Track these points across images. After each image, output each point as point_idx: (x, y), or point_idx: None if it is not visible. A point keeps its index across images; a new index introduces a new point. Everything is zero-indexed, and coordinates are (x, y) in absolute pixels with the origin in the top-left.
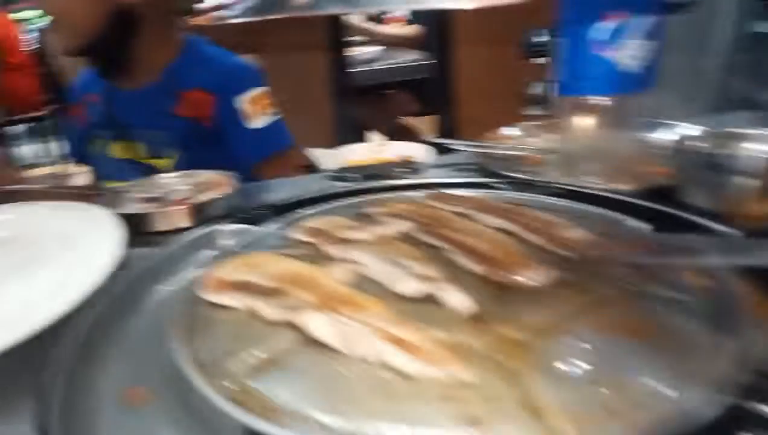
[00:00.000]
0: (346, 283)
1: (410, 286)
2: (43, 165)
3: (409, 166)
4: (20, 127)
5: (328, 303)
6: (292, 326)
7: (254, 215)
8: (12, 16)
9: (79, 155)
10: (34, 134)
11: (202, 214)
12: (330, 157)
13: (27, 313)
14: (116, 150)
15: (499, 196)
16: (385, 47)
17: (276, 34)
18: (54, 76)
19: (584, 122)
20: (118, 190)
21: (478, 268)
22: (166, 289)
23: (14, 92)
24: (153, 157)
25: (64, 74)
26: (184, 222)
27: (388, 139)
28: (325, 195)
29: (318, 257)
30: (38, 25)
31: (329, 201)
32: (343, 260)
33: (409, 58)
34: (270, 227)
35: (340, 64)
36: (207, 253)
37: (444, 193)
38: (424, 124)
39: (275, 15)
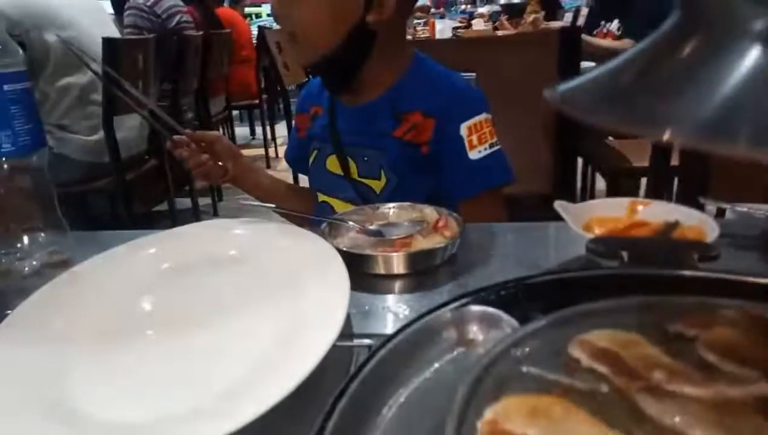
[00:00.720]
0: None
1: None
2: (253, 147)
3: (702, 248)
4: (236, 113)
5: None
6: None
7: (503, 298)
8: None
9: (296, 162)
10: (247, 120)
11: (423, 262)
12: (570, 211)
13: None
14: (332, 164)
15: None
16: (595, 62)
17: (504, 52)
18: (269, 70)
19: None
20: (338, 220)
21: None
22: (412, 400)
23: (238, 82)
24: (366, 177)
25: (279, 69)
26: (404, 268)
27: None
28: (592, 277)
29: (626, 415)
30: (260, 21)
31: (600, 290)
32: (664, 428)
33: None
34: (533, 326)
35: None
36: (455, 353)
37: None
38: (629, 149)
39: None
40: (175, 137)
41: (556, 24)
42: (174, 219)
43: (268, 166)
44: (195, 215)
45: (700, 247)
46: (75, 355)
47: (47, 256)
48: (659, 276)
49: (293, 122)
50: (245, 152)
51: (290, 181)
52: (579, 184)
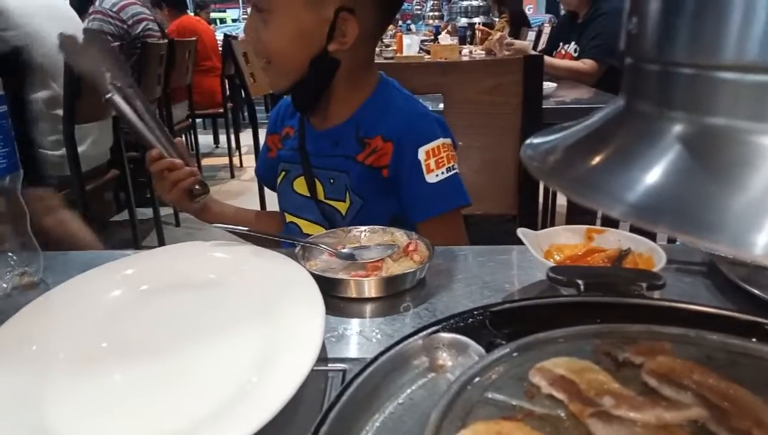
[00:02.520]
0: None
1: None
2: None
3: (650, 277)
4: (198, 120)
5: None
6: None
7: (470, 325)
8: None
9: (267, 181)
10: (211, 128)
11: (394, 286)
12: (532, 239)
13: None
14: (299, 186)
15: None
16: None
17: (470, 76)
18: (234, 77)
19: None
20: (311, 243)
21: None
22: (386, 426)
23: (202, 90)
24: (332, 199)
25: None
26: (376, 292)
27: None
28: (551, 305)
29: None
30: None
31: (560, 320)
32: None
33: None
34: (498, 354)
35: (535, 115)
36: (427, 379)
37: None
38: None
39: None
40: (154, 153)
41: (520, 43)
42: (135, 229)
43: (232, 176)
44: (156, 225)
45: (648, 277)
46: (52, 380)
47: (18, 278)
48: (611, 304)
49: (264, 141)
50: (209, 161)
51: (255, 192)
52: (541, 202)
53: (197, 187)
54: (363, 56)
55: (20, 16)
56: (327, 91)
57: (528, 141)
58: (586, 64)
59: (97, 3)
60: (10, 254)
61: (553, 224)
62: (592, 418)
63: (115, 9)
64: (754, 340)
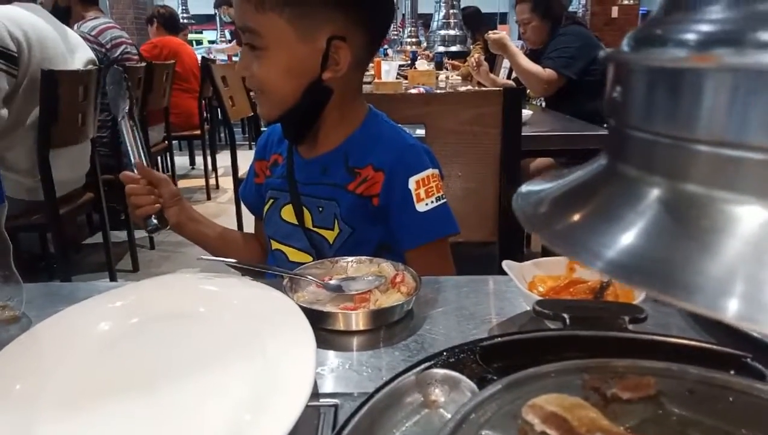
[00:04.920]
0: None
1: None
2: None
3: (632, 311)
4: (175, 142)
5: None
6: None
7: (461, 360)
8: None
9: (254, 208)
10: (187, 149)
11: (382, 318)
12: (516, 270)
13: None
14: (287, 213)
15: None
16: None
17: (451, 107)
18: (211, 100)
19: None
20: (297, 275)
21: None
22: None
23: (179, 112)
24: (320, 227)
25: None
26: (363, 325)
27: None
28: (539, 339)
29: None
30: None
31: (548, 353)
32: None
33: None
34: (490, 391)
35: (514, 145)
36: (421, 415)
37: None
38: None
39: None
40: (126, 173)
41: (493, 77)
42: (109, 252)
43: (209, 198)
44: (131, 248)
45: (631, 310)
46: (39, 418)
47: None
48: (597, 338)
49: (251, 165)
50: (185, 183)
51: (232, 213)
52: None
53: (153, 220)
54: (354, 84)
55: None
56: (318, 120)
57: (519, 190)
58: (546, 72)
59: (75, 27)
60: None
61: (529, 247)
62: None
63: (93, 32)
64: (732, 372)
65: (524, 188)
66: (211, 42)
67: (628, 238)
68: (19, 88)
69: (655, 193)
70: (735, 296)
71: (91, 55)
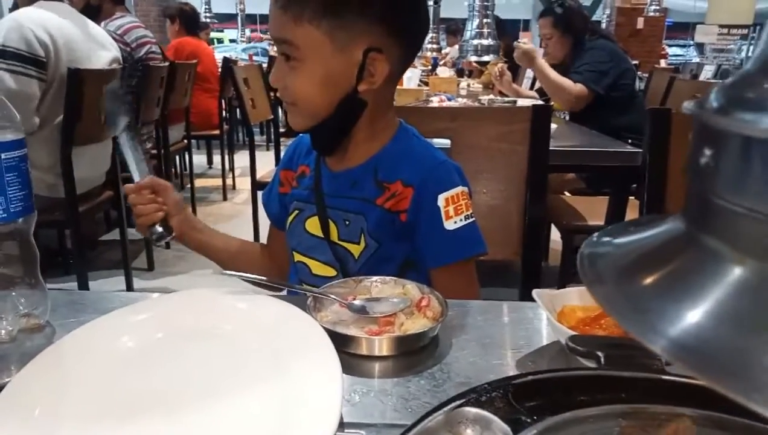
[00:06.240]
0: None
1: None
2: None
3: None
4: (194, 142)
5: None
6: None
7: (492, 399)
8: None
9: (278, 220)
10: (205, 148)
11: (407, 345)
12: (546, 300)
13: None
14: (312, 226)
15: None
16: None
17: (478, 122)
18: (231, 100)
19: None
20: (321, 294)
21: None
22: None
23: (200, 111)
24: (346, 241)
25: (245, 104)
26: (387, 351)
27: None
28: (573, 378)
29: None
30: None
31: (580, 392)
32: None
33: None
34: None
35: (542, 162)
36: None
37: None
38: (584, 205)
39: None
40: (129, 185)
41: (516, 87)
42: (125, 250)
43: (225, 198)
44: (147, 246)
45: None
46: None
47: (24, 320)
48: (632, 378)
49: (276, 173)
50: (202, 182)
51: (249, 215)
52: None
53: (158, 228)
54: (387, 97)
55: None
56: (350, 133)
57: (588, 241)
58: (576, 87)
59: (102, 24)
60: (17, 296)
61: (547, 261)
62: None
63: (119, 32)
64: None
65: (592, 239)
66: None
67: (699, 316)
68: (48, 91)
69: (738, 272)
70: None
71: (116, 53)
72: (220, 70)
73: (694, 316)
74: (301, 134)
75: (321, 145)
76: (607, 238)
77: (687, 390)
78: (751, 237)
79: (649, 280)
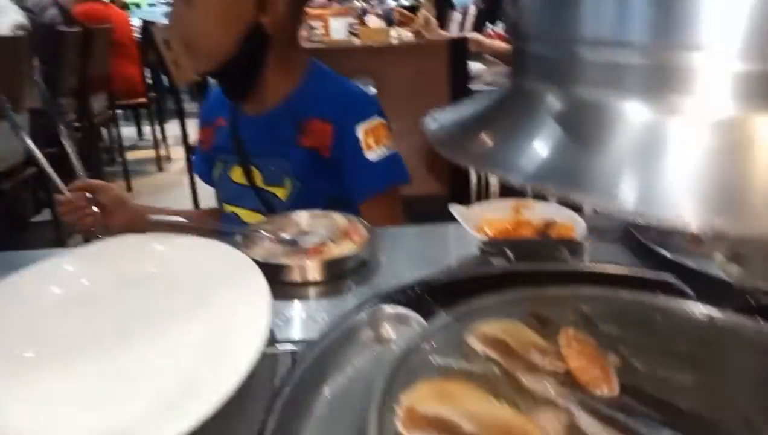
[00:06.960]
0: None
1: None
2: (142, 148)
3: (568, 244)
4: (121, 112)
5: None
6: None
7: (410, 298)
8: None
9: (204, 175)
10: (134, 119)
11: (337, 268)
12: (464, 214)
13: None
14: (236, 175)
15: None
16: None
17: (398, 60)
18: (156, 66)
19: None
20: (252, 231)
21: None
22: (337, 397)
23: (122, 79)
24: (271, 185)
25: (169, 67)
26: (319, 276)
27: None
28: (485, 276)
29: (513, 390)
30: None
31: (492, 288)
32: (547, 401)
33: None
34: (438, 323)
35: (463, 90)
36: (373, 351)
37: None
38: None
39: None
40: (60, 197)
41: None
42: (58, 228)
43: (160, 169)
44: None
45: (570, 244)
46: None
47: None
48: (537, 271)
49: (197, 135)
50: (134, 154)
51: (186, 184)
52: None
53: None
54: (290, 32)
55: None
56: (258, 74)
57: (430, 115)
58: None
59: None
60: None
61: (479, 199)
62: (522, 370)
63: None
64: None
65: (435, 114)
66: (150, 5)
67: (535, 150)
68: None
69: (550, 101)
70: (624, 187)
71: (20, 18)
72: (139, 35)
73: (531, 149)
74: (213, 90)
75: (231, 89)
76: (450, 109)
77: (586, 275)
78: (554, 66)
79: (493, 132)
